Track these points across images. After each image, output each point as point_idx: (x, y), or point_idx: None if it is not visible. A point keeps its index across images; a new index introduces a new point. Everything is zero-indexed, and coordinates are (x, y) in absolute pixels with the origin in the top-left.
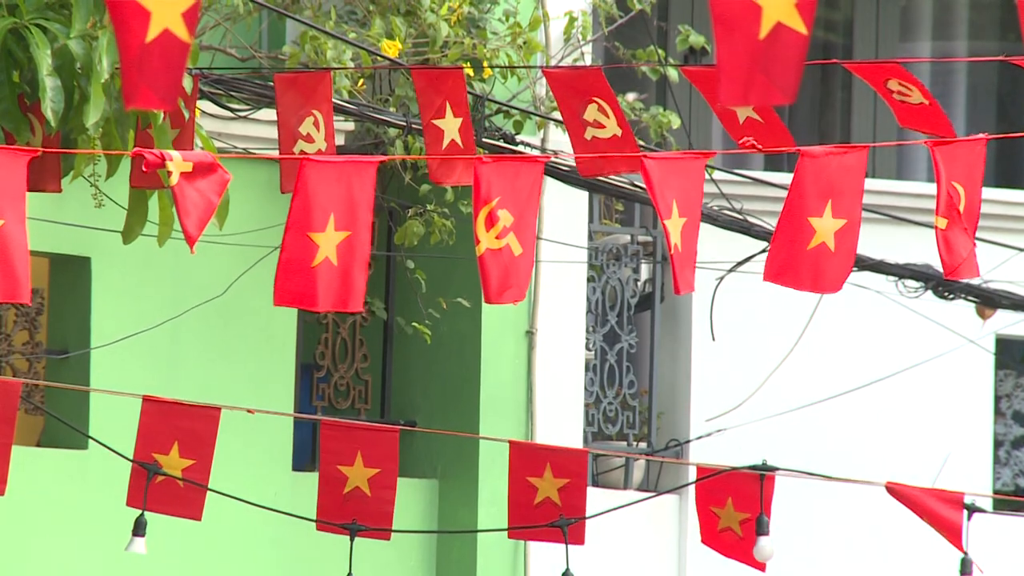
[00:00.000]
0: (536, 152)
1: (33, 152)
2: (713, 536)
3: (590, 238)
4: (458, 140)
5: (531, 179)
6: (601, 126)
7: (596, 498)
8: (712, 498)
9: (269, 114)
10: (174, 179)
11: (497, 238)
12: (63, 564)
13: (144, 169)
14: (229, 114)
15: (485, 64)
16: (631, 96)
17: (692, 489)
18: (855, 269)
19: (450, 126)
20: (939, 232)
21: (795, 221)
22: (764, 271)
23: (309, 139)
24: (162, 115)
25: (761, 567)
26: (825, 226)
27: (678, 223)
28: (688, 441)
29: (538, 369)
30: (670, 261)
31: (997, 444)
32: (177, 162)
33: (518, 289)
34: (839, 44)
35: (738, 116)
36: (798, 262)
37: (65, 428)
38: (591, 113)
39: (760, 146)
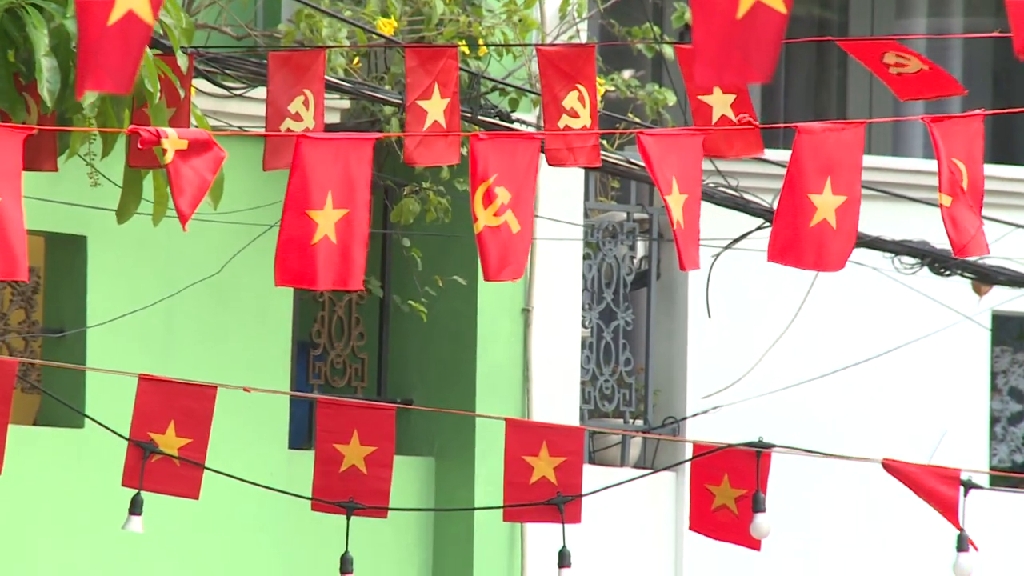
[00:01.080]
0: (532, 129)
1: (29, 130)
2: (705, 518)
3: (586, 215)
4: (441, 121)
5: (528, 156)
6: (575, 115)
7: (593, 476)
8: (707, 475)
9: (264, 93)
10: (169, 157)
11: (495, 215)
12: (59, 543)
13: (140, 146)
14: (224, 93)
15: (481, 42)
16: (627, 73)
17: (689, 466)
18: None
19: (434, 107)
20: (944, 210)
21: (795, 198)
22: (768, 251)
23: (298, 118)
24: (158, 94)
25: (755, 546)
26: (826, 203)
27: (679, 199)
28: (685, 418)
29: (534, 347)
30: (674, 238)
31: (994, 420)
32: (172, 140)
33: (517, 266)
34: (835, 21)
35: (712, 113)
36: (801, 241)
37: (61, 407)
38: (570, 100)
39: (757, 123)
